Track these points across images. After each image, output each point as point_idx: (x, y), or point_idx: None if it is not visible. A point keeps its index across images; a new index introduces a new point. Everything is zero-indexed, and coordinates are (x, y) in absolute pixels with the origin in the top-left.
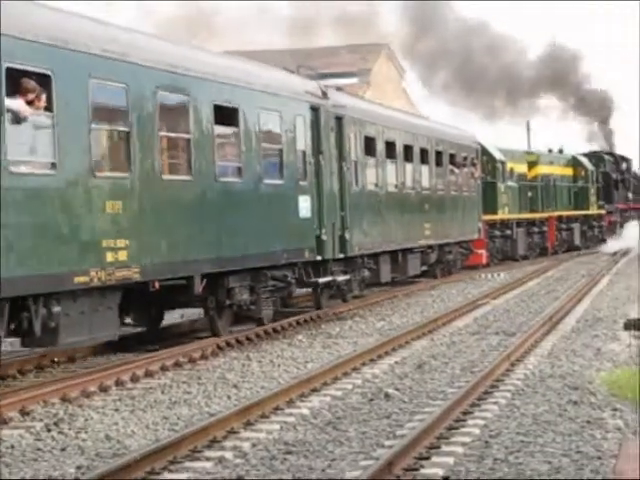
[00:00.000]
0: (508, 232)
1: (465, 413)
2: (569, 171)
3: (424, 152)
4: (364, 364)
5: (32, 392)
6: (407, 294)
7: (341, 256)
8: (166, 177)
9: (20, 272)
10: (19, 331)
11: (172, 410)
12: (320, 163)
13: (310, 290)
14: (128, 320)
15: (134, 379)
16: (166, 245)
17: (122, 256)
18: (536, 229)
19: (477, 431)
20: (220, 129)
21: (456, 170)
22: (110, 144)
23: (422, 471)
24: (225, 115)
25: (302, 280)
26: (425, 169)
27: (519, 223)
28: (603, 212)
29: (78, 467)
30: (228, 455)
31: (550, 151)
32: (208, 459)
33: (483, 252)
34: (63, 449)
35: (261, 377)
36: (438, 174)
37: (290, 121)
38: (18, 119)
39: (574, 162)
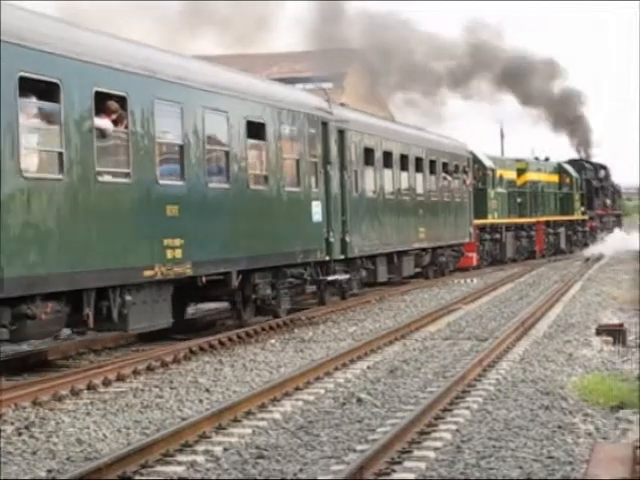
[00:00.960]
0: (497, 236)
1: (437, 418)
2: (555, 178)
3: (419, 161)
4: (337, 369)
5: (3, 395)
6: (380, 299)
7: (342, 257)
8: (211, 184)
9: (105, 265)
10: (97, 317)
11: (144, 414)
12: (329, 172)
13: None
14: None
15: (106, 383)
16: (211, 245)
17: (178, 254)
18: (524, 233)
19: (449, 436)
20: (252, 142)
21: (449, 177)
22: (168, 157)
23: (393, 476)
24: (254, 129)
25: (312, 278)
26: (420, 177)
27: (508, 227)
28: (586, 218)
29: (49, 471)
30: (200, 459)
31: (537, 159)
32: (180, 463)
33: (474, 255)
34: (34, 453)
35: (233, 381)
36: (432, 181)
37: (306, 135)
38: (104, 136)
39: (560, 169)
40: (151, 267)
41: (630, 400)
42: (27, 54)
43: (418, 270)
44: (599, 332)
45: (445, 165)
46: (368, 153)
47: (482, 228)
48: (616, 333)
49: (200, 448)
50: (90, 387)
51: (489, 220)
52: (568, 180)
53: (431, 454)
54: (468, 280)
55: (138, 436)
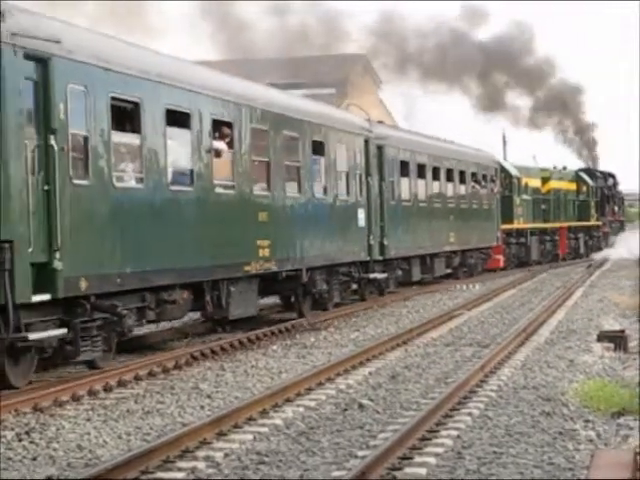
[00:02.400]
0: (523, 240)
1: (438, 424)
2: (573, 186)
3: (449, 171)
4: (338, 374)
5: (4, 401)
6: (382, 305)
7: (381, 258)
8: (289, 194)
9: (219, 262)
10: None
11: (145, 420)
12: (369, 183)
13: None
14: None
15: (107, 389)
16: (290, 245)
17: (267, 252)
18: (548, 237)
19: (450, 442)
20: (314, 157)
21: (477, 186)
22: (259, 172)
23: None
24: (319, 147)
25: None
26: (450, 186)
27: (533, 232)
28: (600, 223)
29: (49, 477)
30: (200, 465)
31: (554, 167)
32: (180, 469)
33: (501, 257)
34: (34, 459)
35: (235, 387)
36: (461, 190)
37: (353, 151)
38: (219, 155)
39: (577, 178)
40: (249, 263)
41: (631, 406)
42: (171, 91)
43: (449, 271)
44: (600, 338)
45: (474, 174)
46: (403, 165)
47: (509, 233)
48: (617, 339)
49: (201, 454)
50: (91, 393)
51: (515, 225)
52: (585, 188)
53: (432, 460)
54: (470, 286)
55: (139, 442)
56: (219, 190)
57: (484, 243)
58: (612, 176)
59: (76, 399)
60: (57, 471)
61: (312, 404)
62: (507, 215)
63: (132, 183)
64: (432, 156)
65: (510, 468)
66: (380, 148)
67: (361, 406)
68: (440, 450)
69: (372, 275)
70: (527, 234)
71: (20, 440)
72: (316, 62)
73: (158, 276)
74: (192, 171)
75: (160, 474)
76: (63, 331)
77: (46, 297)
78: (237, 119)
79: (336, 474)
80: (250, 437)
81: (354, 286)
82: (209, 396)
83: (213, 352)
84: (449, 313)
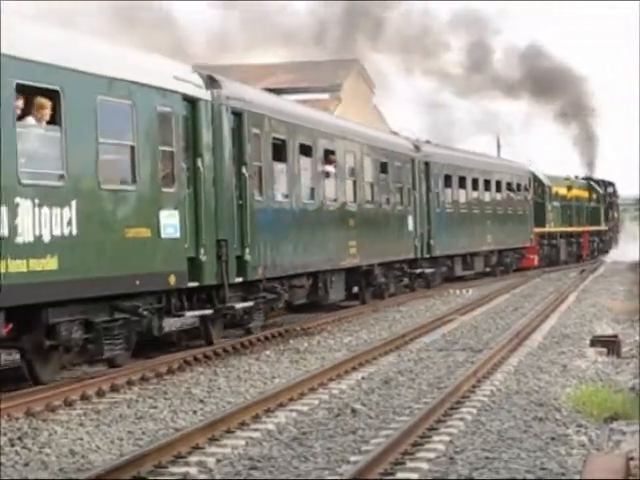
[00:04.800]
0: (554, 242)
1: (431, 429)
2: (586, 194)
3: (486, 182)
4: (331, 379)
5: None
6: (375, 310)
7: (427, 256)
8: (366, 205)
9: (326, 257)
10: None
11: (137, 425)
12: (417, 194)
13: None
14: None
15: (100, 393)
16: (368, 245)
17: (354, 251)
18: (574, 240)
19: (442, 447)
20: (382, 175)
21: (511, 194)
22: (350, 187)
23: None
24: (383, 167)
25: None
26: (487, 194)
27: (561, 235)
28: (607, 228)
29: None
30: (193, 471)
31: (567, 177)
32: (172, 474)
33: (535, 257)
34: (26, 464)
35: (228, 392)
36: (497, 197)
37: (403, 169)
38: (328, 176)
39: (589, 186)
40: (343, 259)
41: (624, 411)
42: (303, 131)
43: (487, 270)
44: (593, 343)
45: (508, 184)
46: (447, 178)
47: (542, 235)
48: (610, 344)
49: (193, 459)
50: (84, 398)
51: (547, 229)
52: (595, 195)
53: (424, 465)
54: (464, 291)
55: (131, 447)
56: (328, 203)
57: (518, 244)
58: (612, 184)
59: (68, 404)
60: (49, 476)
61: (305, 409)
62: (540, 219)
63: (281, 198)
64: (471, 169)
65: (502, 473)
66: (427, 164)
67: (354, 411)
68: (432, 455)
69: (419, 270)
70: (557, 237)
71: (12, 445)
72: (311, 67)
73: (295, 267)
74: (313, 189)
75: (152, 479)
76: (250, 304)
77: (240, 280)
78: (340, 147)
79: (328, 479)
80: (243, 442)
81: (405, 280)
82: (202, 401)
83: (206, 357)
84: (442, 318)
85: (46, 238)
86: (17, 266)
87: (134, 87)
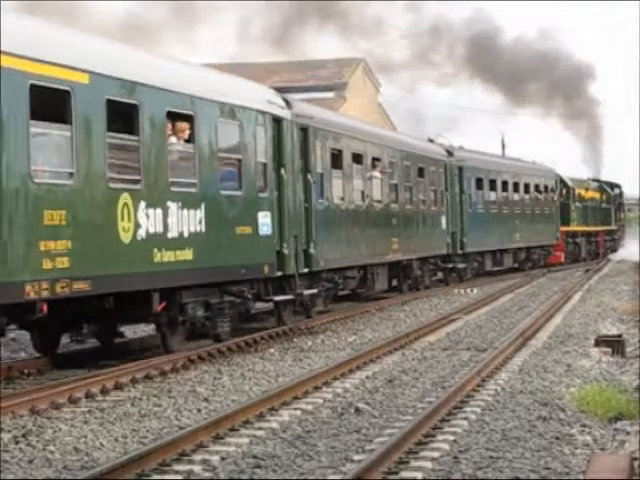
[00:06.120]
0: (577, 240)
1: (435, 428)
2: (599, 195)
3: (515, 184)
4: (335, 378)
5: (0, 403)
6: (379, 309)
7: (460, 252)
8: (407, 206)
9: (372, 252)
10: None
11: (142, 423)
12: (449, 196)
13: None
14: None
15: (104, 391)
16: (407, 242)
17: (397, 246)
18: (593, 238)
19: (446, 446)
20: (419, 179)
21: (538, 195)
22: (393, 190)
23: None
24: (420, 171)
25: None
26: (516, 195)
27: (582, 234)
28: (616, 228)
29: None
30: (197, 469)
31: (585, 179)
32: (177, 472)
33: (561, 254)
34: (30, 461)
35: (232, 390)
36: (525, 198)
37: (437, 173)
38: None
39: (600, 188)
40: (388, 253)
41: (628, 411)
42: (354, 142)
43: (516, 265)
44: (598, 343)
45: (536, 186)
46: (478, 181)
47: (567, 234)
48: (615, 344)
49: (197, 457)
50: (88, 395)
51: (571, 228)
52: (606, 197)
53: (428, 464)
54: (468, 290)
55: (135, 445)
56: (375, 204)
57: (545, 242)
58: (618, 186)
59: (73, 401)
60: (53, 474)
61: (309, 408)
62: (565, 219)
63: (337, 201)
64: (501, 172)
65: (506, 472)
66: (460, 168)
67: (358, 410)
68: (436, 454)
69: (451, 265)
70: (578, 235)
71: (17, 442)
72: (315, 66)
73: (348, 260)
74: (363, 192)
75: (156, 477)
76: (314, 291)
77: (306, 270)
78: (385, 155)
79: (332, 478)
80: (247, 441)
81: (439, 274)
82: (206, 399)
83: (210, 355)
84: (447, 317)
85: (185, 234)
86: (168, 256)
87: (241, 111)
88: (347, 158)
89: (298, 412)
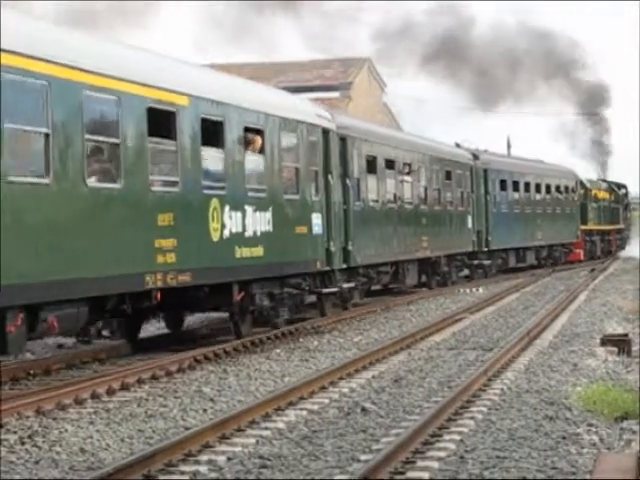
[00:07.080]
0: (594, 238)
1: (441, 428)
2: (608, 195)
3: (537, 185)
4: (341, 378)
5: (6, 404)
6: (385, 309)
7: (485, 249)
8: (436, 207)
9: (404, 250)
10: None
11: (148, 423)
12: (476, 197)
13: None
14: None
15: (110, 392)
16: (436, 240)
17: (425, 244)
18: (606, 237)
19: (453, 446)
20: (447, 182)
21: (560, 196)
22: (422, 192)
23: None
24: (448, 174)
25: (465, 262)
26: (538, 196)
27: (597, 232)
28: (624, 226)
29: None
30: (203, 469)
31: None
32: (183, 473)
33: (581, 251)
34: (36, 462)
35: (238, 391)
36: (546, 199)
37: (463, 175)
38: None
39: (610, 188)
40: (418, 250)
41: (634, 410)
42: (392, 151)
43: (537, 262)
44: (604, 342)
45: (557, 187)
46: (502, 182)
47: (585, 232)
48: (621, 343)
49: (203, 458)
50: (94, 396)
51: (588, 227)
52: (614, 197)
53: (435, 464)
54: (474, 289)
55: (141, 446)
56: (406, 205)
57: (565, 240)
58: (624, 187)
59: (79, 402)
60: (59, 475)
61: (315, 408)
62: (583, 218)
63: (372, 203)
64: (524, 174)
65: (513, 472)
66: (485, 171)
67: (364, 410)
68: (443, 454)
69: (477, 261)
70: (594, 234)
71: (23, 443)
72: (321, 66)
73: (382, 256)
74: (395, 194)
75: (163, 477)
76: (352, 285)
77: (344, 266)
78: (413, 160)
79: (339, 478)
80: (253, 441)
81: (465, 270)
82: (212, 400)
83: (216, 355)
84: (453, 316)
85: (258, 233)
86: (245, 252)
87: (298, 124)
88: (380, 163)
89: (304, 412)
